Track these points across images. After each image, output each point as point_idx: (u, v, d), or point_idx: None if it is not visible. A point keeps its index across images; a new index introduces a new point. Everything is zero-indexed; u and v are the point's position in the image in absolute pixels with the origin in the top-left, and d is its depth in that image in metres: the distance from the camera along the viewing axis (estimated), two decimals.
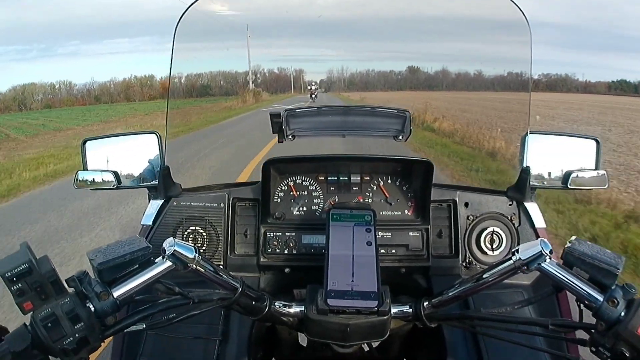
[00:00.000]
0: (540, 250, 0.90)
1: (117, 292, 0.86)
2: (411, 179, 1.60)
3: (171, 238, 0.93)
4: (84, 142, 1.55)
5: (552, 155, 1.56)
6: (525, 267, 0.91)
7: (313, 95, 39.42)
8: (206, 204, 1.57)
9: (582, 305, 0.89)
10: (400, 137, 1.55)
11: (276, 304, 1.10)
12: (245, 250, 1.56)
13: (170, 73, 1.64)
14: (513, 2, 1.46)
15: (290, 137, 1.55)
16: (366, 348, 1.31)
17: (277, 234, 1.53)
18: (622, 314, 0.83)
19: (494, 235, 1.55)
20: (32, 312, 0.80)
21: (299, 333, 1.47)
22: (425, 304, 1.08)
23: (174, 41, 1.49)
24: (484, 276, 0.99)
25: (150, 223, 1.53)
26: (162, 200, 1.55)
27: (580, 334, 0.92)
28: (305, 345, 1.47)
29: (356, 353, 1.14)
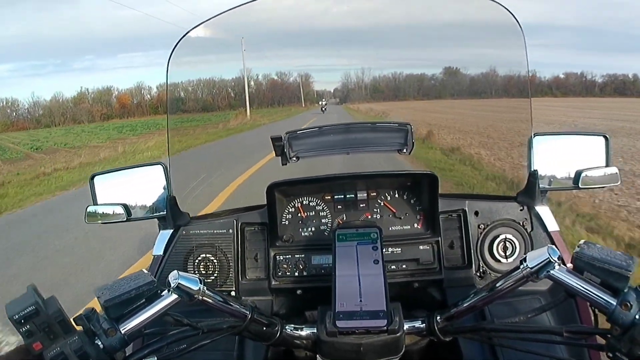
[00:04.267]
0: (548, 258, 0.89)
1: (125, 328, 0.87)
2: (417, 192, 1.59)
3: (175, 271, 0.94)
4: (92, 177, 1.55)
5: (560, 156, 1.54)
6: (535, 276, 0.90)
7: (323, 109, 40.86)
8: (215, 231, 1.57)
9: (596, 310, 0.87)
10: (404, 151, 1.56)
11: (287, 327, 1.10)
12: (257, 275, 1.56)
13: (167, 102, 1.66)
14: (505, 8, 1.47)
15: (293, 159, 1.56)
16: None
17: (287, 256, 1.53)
18: (637, 317, 0.81)
19: (507, 242, 1.53)
20: (41, 352, 0.81)
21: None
22: (439, 317, 1.07)
23: (168, 67, 1.49)
24: (497, 286, 0.98)
25: (161, 253, 1.54)
26: (172, 230, 1.56)
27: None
28: None
29: None
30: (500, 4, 1.48)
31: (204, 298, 0.95)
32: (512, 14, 1.47)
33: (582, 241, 0.91)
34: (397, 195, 1.60)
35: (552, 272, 0.89)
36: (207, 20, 1.51)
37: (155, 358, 0.92)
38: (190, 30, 1.50)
